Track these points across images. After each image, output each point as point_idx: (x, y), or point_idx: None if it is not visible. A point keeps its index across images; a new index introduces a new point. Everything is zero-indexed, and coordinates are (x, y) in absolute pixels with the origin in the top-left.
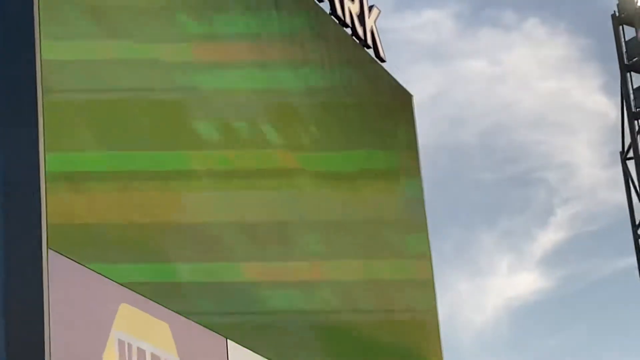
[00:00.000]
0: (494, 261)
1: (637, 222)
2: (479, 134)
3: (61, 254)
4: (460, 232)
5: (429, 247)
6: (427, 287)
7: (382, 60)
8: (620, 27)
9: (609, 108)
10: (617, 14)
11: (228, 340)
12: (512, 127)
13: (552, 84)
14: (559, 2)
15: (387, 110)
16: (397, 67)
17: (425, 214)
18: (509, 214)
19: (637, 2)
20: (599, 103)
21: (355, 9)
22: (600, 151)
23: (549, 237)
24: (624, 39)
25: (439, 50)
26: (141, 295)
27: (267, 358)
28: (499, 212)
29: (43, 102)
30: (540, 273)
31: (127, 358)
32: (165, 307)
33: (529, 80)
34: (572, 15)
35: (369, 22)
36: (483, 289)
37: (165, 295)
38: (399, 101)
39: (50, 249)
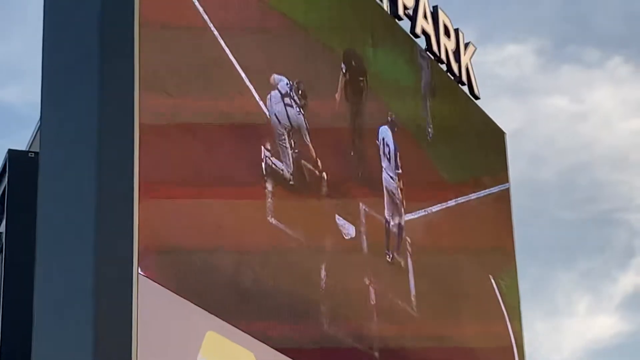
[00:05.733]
0: (572, 302)
1: None
2: (559, 172)
3: (151, 279)
4: (537, 271)
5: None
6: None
7: (477, 98)
8: None
9: None
10: None
11: None
12: (593, 167)
13: (634, 124)
14: None
15: (480, 147)
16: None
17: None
18: (588, 254)
19: None
20: None
21: (451, 45)
22: None
23: (630, 280)
24: None
25: (520, 86)
26: (228, 322)
27: None
28: (578, 252)
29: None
30: (621, 316)
31: None
32: (251, 335)
33: (611, 119)
34: None
35: (464, 59)
36: (560, 329)
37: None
38: (492, 138)
39: (141, 274)
